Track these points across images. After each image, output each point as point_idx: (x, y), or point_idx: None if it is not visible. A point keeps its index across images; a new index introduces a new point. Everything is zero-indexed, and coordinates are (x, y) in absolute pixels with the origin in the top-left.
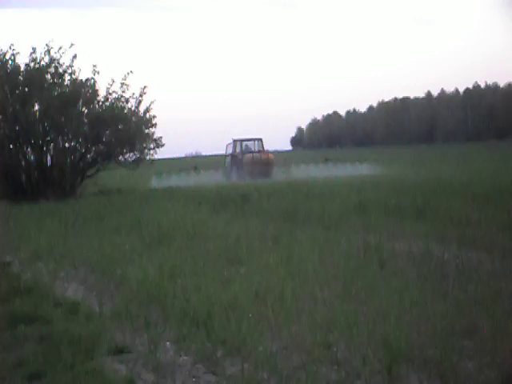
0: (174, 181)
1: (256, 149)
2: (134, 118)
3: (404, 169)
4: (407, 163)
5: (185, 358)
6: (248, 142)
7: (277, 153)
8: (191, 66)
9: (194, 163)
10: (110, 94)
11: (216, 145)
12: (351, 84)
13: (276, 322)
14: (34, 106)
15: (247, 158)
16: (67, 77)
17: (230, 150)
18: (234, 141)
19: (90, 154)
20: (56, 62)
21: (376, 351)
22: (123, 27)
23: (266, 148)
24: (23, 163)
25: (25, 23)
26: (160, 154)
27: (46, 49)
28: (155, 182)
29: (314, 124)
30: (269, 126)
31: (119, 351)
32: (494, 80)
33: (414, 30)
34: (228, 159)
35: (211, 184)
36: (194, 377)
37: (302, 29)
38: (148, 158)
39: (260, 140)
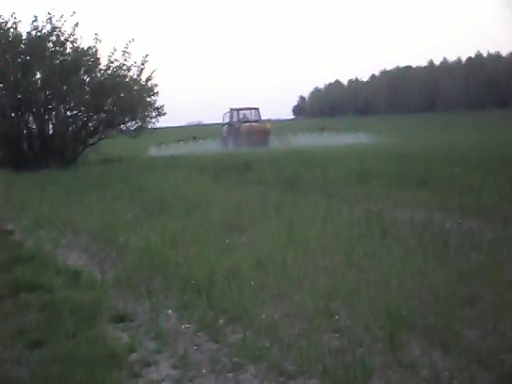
0: (173, 150)
1: (253, 118)
2: (135, 87)
3: (398, 138)
4: (405, 132)
5: (186, 325)
6: (245, 111)
7: (279, 121)
8: (194, 33)
9: (193, 132)
10: (112, 62)
11: (218, 113)
12: (353, 53)
13: (278, 290)
14: (35, 75)
15: (244, 127)
16: (69, 45)
17: (226, 119)
18: (231, 110)
19: (91, 122)
20: (58, 30)
21: (378, 319)
22: None
23: (267, 117)
24: (25, 131)
25: None
26: (162, 122)
27: (48, 17)
28: (154, 151)
29: (316, 93)
30: (271, 94)
31: (121, 319)
32: (497, 49)
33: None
34: (225, 128)
35: (210, 153)
36: (195, 345)
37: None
38: (150, 126)
39: (257, 109)
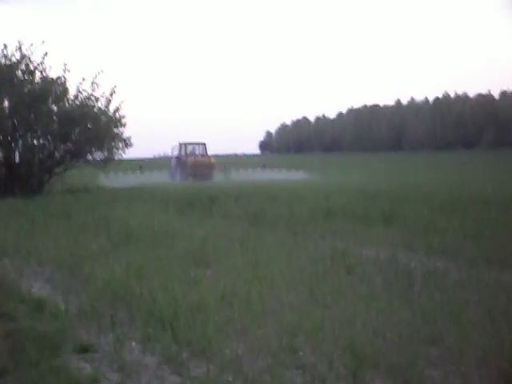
0: (121, 180)
1: (199, 152)
2: (103, 117)
3: (348, 175)
4: (370, 169)
5: (150, 358)
6: (193, 146)
7: (245, 156)
8: (162, 66)
9: (140, 163)
10: (80, 92)
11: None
12: (321, 90)
13: (242, 325)
14: (3, 102)
15: (190, 161)
16: (38, 74)
17: (175, 152)
18: (180, 144)
19: (58, 151)
20: (27, 58)
21: (342, 356)
22: (93, 25)
23: (234, 151)
24: None
25: None
26: (129, 153)
27: (18, 45)
28: (103, 180)
29: (283, 129)
30: (238, 129)
31: (84, 350)
32: (464, 90)
33: (385, 38)
34: (173, 160)
35: (158, 183)
36: (159, 377)
37: (275, 33)
38: (117, 157)
39: (204, 144)
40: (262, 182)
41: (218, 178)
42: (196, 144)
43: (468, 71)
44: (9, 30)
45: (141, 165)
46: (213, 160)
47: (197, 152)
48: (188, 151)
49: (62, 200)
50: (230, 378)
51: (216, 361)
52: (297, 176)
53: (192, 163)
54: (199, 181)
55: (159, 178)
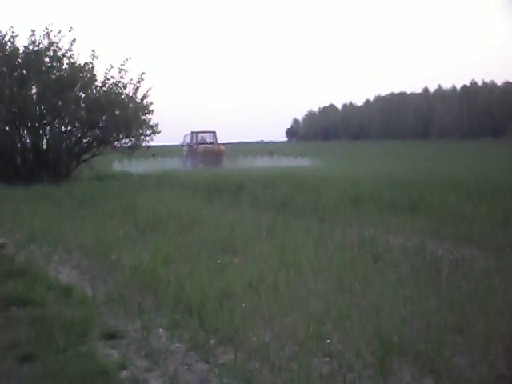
0: (134, 167)
1: (210, 140)
2: (130, 104)
3: (362, 163)
4: (399, 158)
5: (177, 345)
6: (203, 134)
7: (272, 143)
8: (191, 52)
9: (153, 151)
10: (108, 79)
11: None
12: (349, 77)
13: (269, 312)
14: (31, 89)
15: (201, 149)
16: (65, 60)
17: (187, 140)
18: (192, 132)
19: (85, 138)
20: (55, 45)
21: (369, 344)
22: (123, 12)
23: (261, 139)
24: (19, 146)
25: (25, 5)
26: (157, 140)
27: (45, 32)
28: (116, 166)
29: (310, 116)
30: (265, 116)
31: (112, 336)
32: (492, 78)
33: (414, 25)
34: (185, 148)
35: (170, 170)
36: (186, 364)
37: (302, 20)
38: (144, 144)
39: (214, 132)
40: (268, 169)
41: (227, 164)
42: (207, 132)
43: (495, 59)
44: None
45: (154, 152)
46: (222, 148)
47: (207, 140)
48: (199, 139)
49: (89, 186)
50: (257, 366)
51: (243, 348)
52: (302, 163)
53: (202, 151)
54: (209, 167)
55: (172, 164)
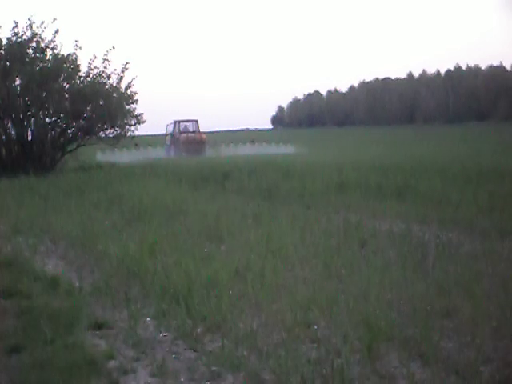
0: (118, 157)
1: (192, 129)
2: (115, 94)
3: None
4: (384, 143)
5: (165, 334)
6: (185, 123)
7: (257, 131)
8: (176, 41)
9: (136, 141)
10: (92, 69)
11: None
12: (333, 63)
13: (256, 300)
14: (15, 81)
15: (183, 137)
16: (49, 52)
17: (170, 130)
18: (174, 121)
19: (70, 129)
20: (38, 36)
21: (356, 330)
22: (106, 1)
23: (246, 126)
24: (3, 137)
25: None
26: (141, 130)
27: (28, 23)
28: (99, 157)
29: (295, 103)
30: (250, 103)
31: (99, 326)
32: (476, 62)
33: (397, 10)
34: (168, 137)
35: (155, 159)
36: (173, 353)
37: (286, 7)
38: (129, 134)
39: (196, 121)
40: (252, 156)
41: (209, 153)
42: (189, 121)
43: (479, 43)
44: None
45: (136, 142)
46: (204, 136)
47: (189, 129)
48: (181, 128)
49: (75, 177)
50: (245, 353)
51: (231, 336)
52: (283, 150)
53: (184, 139)
54: (191, 156)
55: (154, 154)
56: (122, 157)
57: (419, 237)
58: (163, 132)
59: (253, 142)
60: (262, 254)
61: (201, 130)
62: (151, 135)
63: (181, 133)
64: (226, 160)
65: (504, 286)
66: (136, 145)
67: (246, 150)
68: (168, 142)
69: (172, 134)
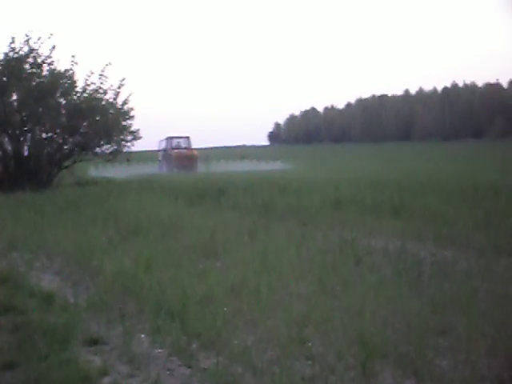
0: (110, 172)
1: (183, 145)
2: (111, 110)
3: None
4: (380, 160)
5: (159, 350)
6: (178, 139)
7: (253, 148)
8: (170, 58)
9: (128, 156)
10: (88, 85)
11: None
12: (330, 80)
13: (251, 316)
14: (11, 96)
15: (175, 153)
16: (46, 67)
17: (162, 146)
18: (167, 138)
19: (66, 144)
20: (35, 52)
21: (351, 347)
22: (103, 17)
23: (242, 143)
24: (0, 153)
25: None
26: (138, 146)
27: (26, 39)
28: (93, 172)
29: (292, 119)
30: (247, 120)
31: (94, 342)
32: (472, 80)
33: (394, 28)
34: (160, 153)
35: (146, 175)
36: (168, 369)
37: (282, 24)
38: (125, 149)
39: (187, 138)
40: (244, 173)
41: (201, 169)
42: (181, 138)
43: (476, 60)
44: (16, 23)
45: (128, 157)
46: (196, 152)
47: (182, 145)
48: (173, 144)
49: (71, 193)
50: (240, 370)
51: (225, 352)
52: (274, 167)
53: (176, 155)
54: (183, 172)
55: (147, 169)
56: (115, 172)
57: (415, 254)
58: (155, 148)
59: (243, 158)
60: (257, 270)
61: (193, 147)
62: (143, 151)
63: (173, 149)
64: (221, 176)
65: (499, 304)
66: (128, 160)
67: (238, 166)
68: (160, 158)
69: (164, 150)
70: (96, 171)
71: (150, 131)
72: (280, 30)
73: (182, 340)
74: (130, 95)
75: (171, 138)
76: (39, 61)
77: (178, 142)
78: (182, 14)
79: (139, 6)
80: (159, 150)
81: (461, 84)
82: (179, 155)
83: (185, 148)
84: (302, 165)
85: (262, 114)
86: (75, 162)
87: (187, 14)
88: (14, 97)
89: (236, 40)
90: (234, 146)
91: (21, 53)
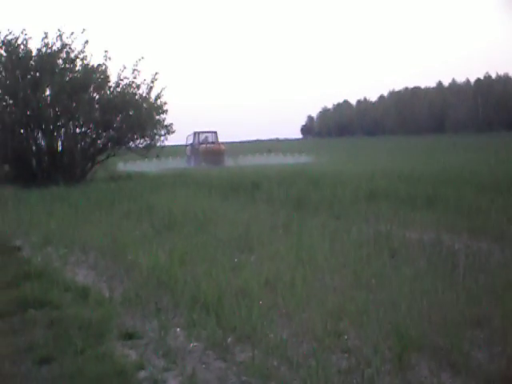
0: (139, 167)
1: (211, 140)
2: (144, 104)
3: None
4: (414, 152)
5: (195, 344)
6: (205, 134)
7: (287, 141)
8: (204, 52)
9: (157, 151)
10: (121, 79)
11: (229, 132)
12: (363, 73)
13: (286, 310)
14: (45, 91)
15: (202, 148)
16: (79, 62)
17: (190, 141)
18: (194, 133)
19: (100, 139)
20: (68, 47)
21: (387, 340)
22: (135, 12)
23: (275, 136)
24: (34, 148)
25: (36, 8)
26: (171, 140)
27: (58, 34)
28: (121, 167)
29: (325, 113)
30: (280, 113)
31: (129, 336)
32: (506, 71)
33: (427, 18)
34: (188, 148)
35: (175, 169)
36: (204, 363)
37: (315, 17)
38: (159, 144)
39: (215, 132)
40: (273, 166)
41: (229, 163)
42: (208, 132)
43: (509, 51)
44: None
45: (157, 153)
46: (223, 147)
47: (209, 140)
48: (201, 139)
49: (105, 187)
50: (275, 363)
51: (261, 346)
52: (299, 160)
53: (204, 150)
54: (211, 166)
55: (176, 164)
56: (144, 166)
57: (449, 246)
58: (183, 143)
59: (269, 152)
60: (291, 263)
61: (220, 141)
62: (171, 145)
63: (200, 143)
64: (252, 169)
65: None
66: (157, 155)
67: (264, 159)
68: (188, 153)
69: (192, 145)
70: (125, 166)
71: (180, 126)
72: (315, 23)
73: (218, 334)
74: (163, 89)
75: (199, 132)
76: (72, 56)
77: (206, 137)
78: (217, 6)
79: (168, 1)
80: (187, 145)
81: (494, 75)
82: (207, 150)
83: (212, 142)
84: (335, 158)
85: (295, 107)
86: (109, 156)
87: (222, 7)
88: (48, 92)
89: (270, 33)
90: (267, 140)
91: (54, 48)
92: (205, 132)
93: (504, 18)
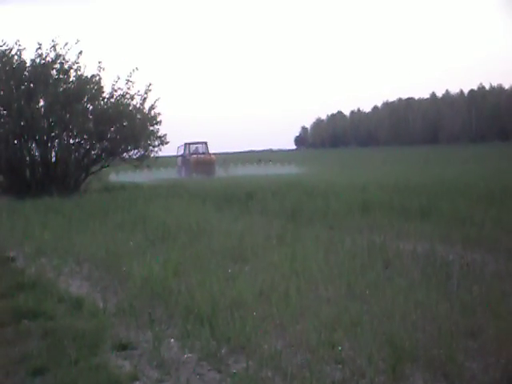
0: (130, 178)
1: (201, 151)
2: (138, 115)
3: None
4: (407, 163)
5: (189, 355)
6: (196, 145)
7: (280, 152)
8: (197, 63)
9: (147, 162)
10: (115, 90)
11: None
12: (356, 84)
13: (280, 321)
14: (39, 102)
15: (193, 159)
16: (72, 73)
17: (181, 151)
18: (185, 144)
19: (94, 150)
20: (61, 57)
21: (381, 350)
22: (129, 24)
23: (269, 147)
24: (28, 159)
25: (30, 19)
26: (165, 151)
27: (52, 44)
28: (113, 177)
29: (318, 123)
30: (273, 124)
31: (123, 347)
32: (499, 82)
33: (420, 30)
34: (179, 159)
35: (167, 180)
36: (198, 374)
37: (309, 27)
38: (152, 155)
39: (205, 143)
40: (256, 176)
41: (219, 173)
42: (199, 143)
43: (503, 62)
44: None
45: (148, 163)
46: (213, 157)
47: (199, 150)
48: (191, 150)
49: (99, 198)
50: (270, 374)
51: (255, 357)
52: (289, 170)
53: (194, 161)
54: (202, 176)
55: (168, 175)
56: (136, 177)
57: (443, 257)
58: (173, 153)
59: (259, 161)
60: (286, 274)
61: (211, 152)
62: (162, 156)
63: (191, 154)
64: (243, 180)
65: None
66: (148, 166)
67: (254, 170)
68: (179, 163)
69: (183, 156)
70: (117, 176)
71: (173, 137)
72: (308, 34)
73: (212, 345)
74: (156, 100)
75: (189, 143)
76: (66, 67)
77: (196, 148)
78: (209, 18)
79: (161, 14)
80: (178, 156)
81: (487, 86)
82: (197, 160)
83: (202, 153)
84: (328, 168)
85: (289, 118)
86: (102, 167)
87: (214, 18)
88: (42, 103)
89: (263, 44)
90: (261, 151)
91: (48, 59)
92: (195, 143)
93: (498, 30)
